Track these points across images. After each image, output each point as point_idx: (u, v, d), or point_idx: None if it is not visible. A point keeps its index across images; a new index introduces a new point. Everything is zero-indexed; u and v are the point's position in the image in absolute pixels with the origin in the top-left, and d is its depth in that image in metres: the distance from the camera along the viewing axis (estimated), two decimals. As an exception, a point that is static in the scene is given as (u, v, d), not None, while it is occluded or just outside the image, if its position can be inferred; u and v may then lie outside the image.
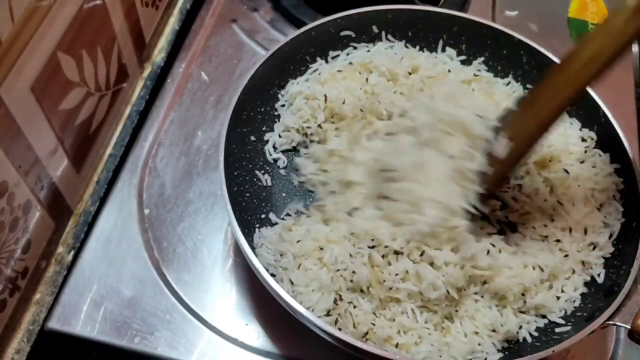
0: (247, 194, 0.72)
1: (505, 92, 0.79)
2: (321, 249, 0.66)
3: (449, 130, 0.65)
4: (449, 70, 0.78)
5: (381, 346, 0.62)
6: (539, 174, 0.72)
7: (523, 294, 0.66)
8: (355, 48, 0.82)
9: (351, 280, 0.64)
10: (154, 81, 0.91)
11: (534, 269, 0.66)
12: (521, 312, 0.66)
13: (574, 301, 0.66)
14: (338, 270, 0.64)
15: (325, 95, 0.76)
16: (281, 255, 0.66)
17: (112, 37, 0.79)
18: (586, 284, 0.67)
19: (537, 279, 0.65)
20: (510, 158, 0.63)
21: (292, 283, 0.64)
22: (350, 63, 0.80)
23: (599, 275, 0.67)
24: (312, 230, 0.67)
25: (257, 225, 0.70)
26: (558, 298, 0.66)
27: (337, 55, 0.82)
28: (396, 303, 0.65)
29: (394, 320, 0.64)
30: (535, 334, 0.65)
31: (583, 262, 0.68)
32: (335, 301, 0.64)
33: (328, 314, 0.63)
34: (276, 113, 0.79)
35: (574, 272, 0.67)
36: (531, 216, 0.70)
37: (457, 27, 0.82)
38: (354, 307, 0.64)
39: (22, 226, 0.67)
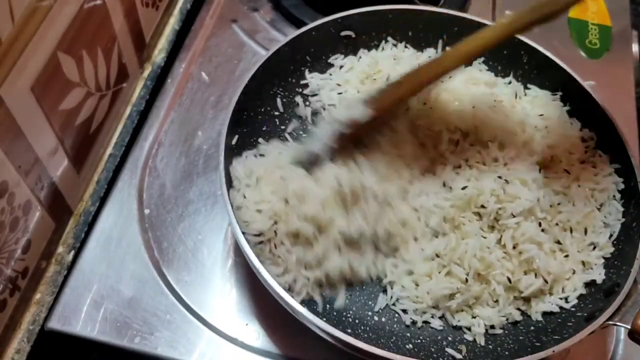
0: (247, 194, 0.72)
1: (507, 92, 0.79)
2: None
3: None
4: (449, 77, 0.77)
5: None
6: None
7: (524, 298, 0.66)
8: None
9: None
10: (154, 81, 0.91)
11: (536, 276, 0.66)
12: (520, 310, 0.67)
13: (574, 301, 0.66)
14: None
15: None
16: None
17: (112, 37, 0.79)
18: (586, 284, 0.67)
19: (537, 287, 0.65)
20: (367, 123, 0.70)
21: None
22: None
23: (599, 274, 0.67)
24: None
25: (258, 225, 0.70)
26: (560, 299, 0.66)
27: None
28: None
29: None
30: (536, 334, 0.65)
31: (583, 262, 0.68)
32: None
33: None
34: (276, 113, 0.79)
35: (574, 272, 0.67)
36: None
37: (457, 27, 0.82)
38: None
39: (22, 226, 0.67)
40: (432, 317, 0.67)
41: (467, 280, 0.65)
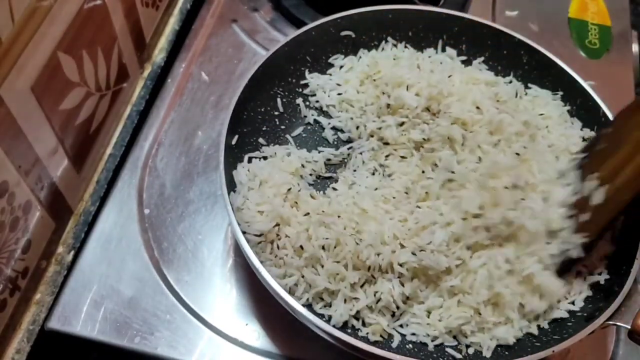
0: (247, 194, 0.72)
1: (508, 92, 0.79)
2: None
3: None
4: (449, 76, 0.77)
5: None
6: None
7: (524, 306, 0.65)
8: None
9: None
10: (154, 81, 0.91)
11: (540, 298, 0.64)
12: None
13: (581, 303, 0.66)
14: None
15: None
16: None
17: (113, 37, 0.79)
18: (591, 285, 0.66)
19: (544, 309, 0.65)
20: (610, 204, 0.59)
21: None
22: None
23: (600, 274, 0.66)
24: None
25: (258, 225, 0.70)
26: (567, 304, 0.66)
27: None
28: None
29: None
30: (536, 333, 0.65)
31: (585, 265, 0.67)
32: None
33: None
34: (276, 113, 0.79)
35: (578, 274, 0.67)
36: None
37: (457, 27, 0.82)
38: None
39: (23, 226, 0.67)
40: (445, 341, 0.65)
41: (479, 312, 0.63)
